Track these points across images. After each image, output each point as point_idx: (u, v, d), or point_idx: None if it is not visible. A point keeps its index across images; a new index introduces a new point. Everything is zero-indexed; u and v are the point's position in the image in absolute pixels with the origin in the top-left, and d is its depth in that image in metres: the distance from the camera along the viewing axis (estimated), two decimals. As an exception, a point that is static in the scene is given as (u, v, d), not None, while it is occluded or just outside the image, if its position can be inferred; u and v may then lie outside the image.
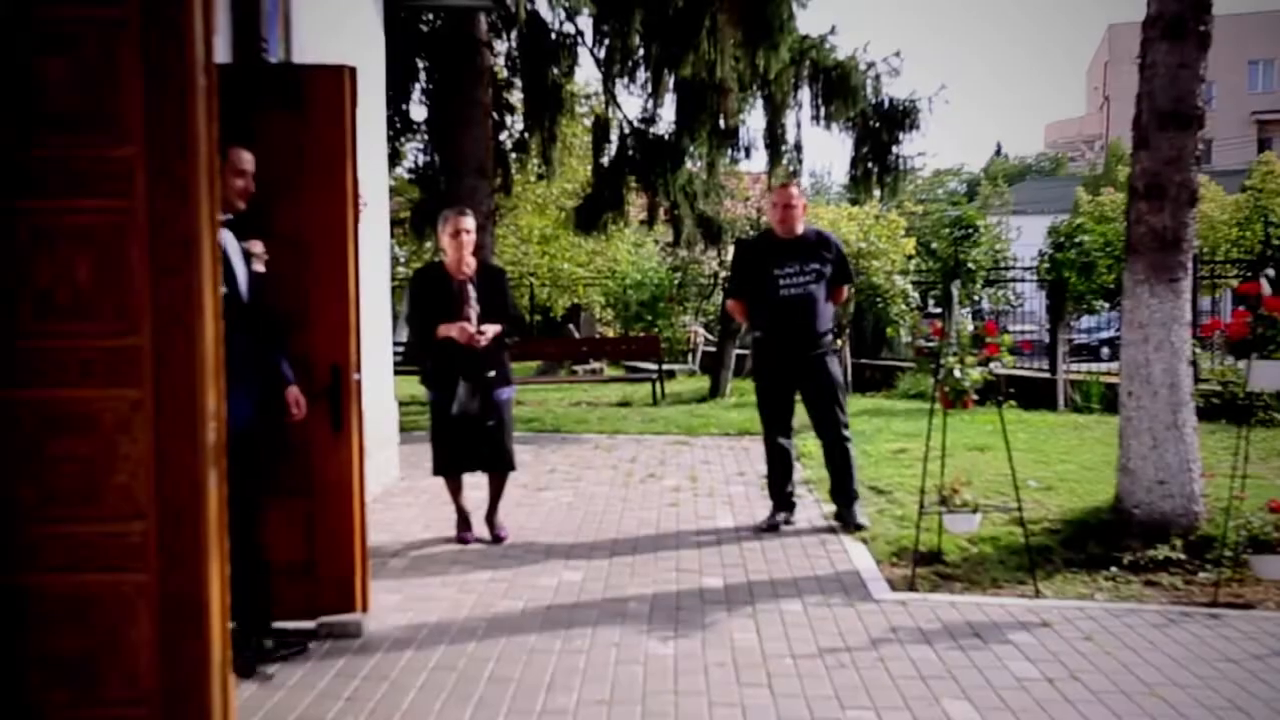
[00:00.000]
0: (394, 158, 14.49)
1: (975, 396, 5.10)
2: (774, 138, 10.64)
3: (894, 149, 10.56)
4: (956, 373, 5.01)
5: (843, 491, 6.17)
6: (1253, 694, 3.70)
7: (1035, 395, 11.78)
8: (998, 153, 67.52)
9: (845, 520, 6.11)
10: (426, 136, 14.10)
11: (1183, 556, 5.31)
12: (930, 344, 5.19)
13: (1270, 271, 5.14)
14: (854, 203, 16.09)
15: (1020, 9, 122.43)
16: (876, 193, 11.00)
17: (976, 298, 16.13)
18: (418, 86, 13.60)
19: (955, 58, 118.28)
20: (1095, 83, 54.16)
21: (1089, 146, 55.38)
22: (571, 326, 20.11)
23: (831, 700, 3.65)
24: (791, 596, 4.85)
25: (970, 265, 12.87)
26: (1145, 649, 4.17)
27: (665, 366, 14.19)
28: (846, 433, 6.19)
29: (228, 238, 3.88)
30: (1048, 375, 12.10)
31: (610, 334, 20.23)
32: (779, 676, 3.86)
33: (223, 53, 4.61)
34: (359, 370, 4.30)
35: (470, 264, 5.76)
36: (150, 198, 2.51)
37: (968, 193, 48.45)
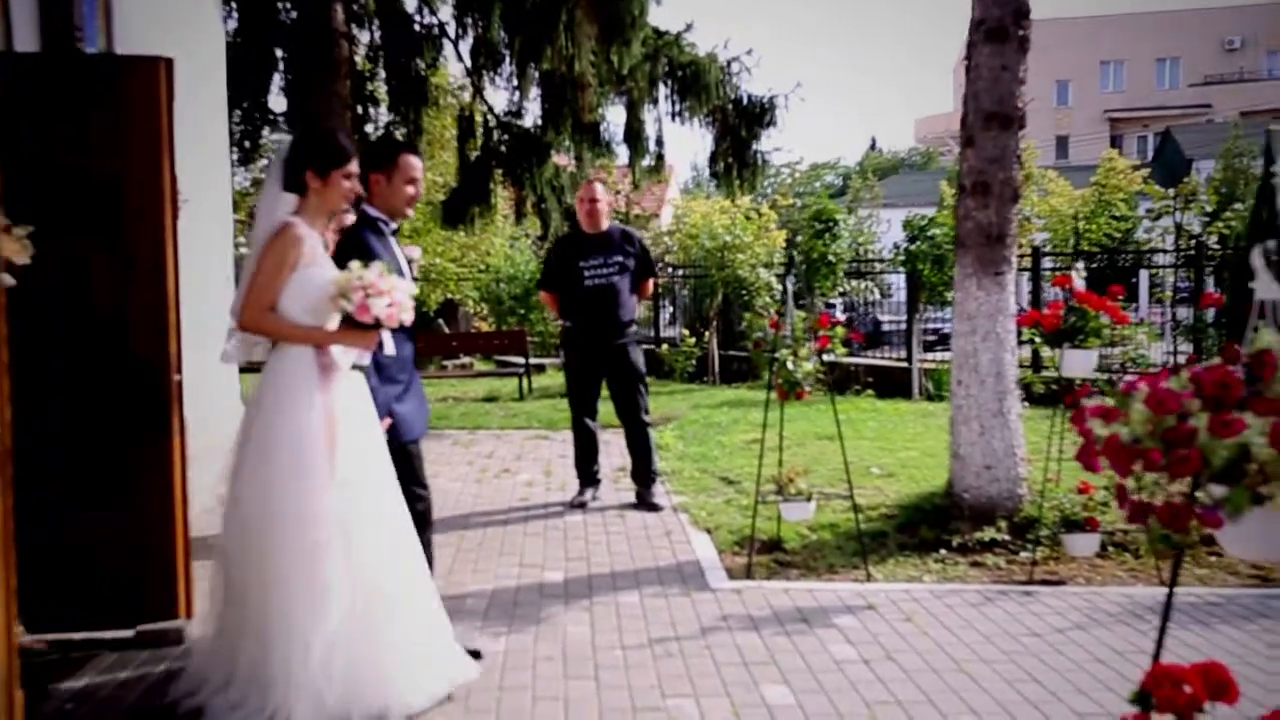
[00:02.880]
0: (254, 151, 14.10)
1: (808, 388, 5.25)
2: (631, 133, 10.72)
3: (753, 144, 10.74)
4: (789, 365, 5.15)
5: (643, 474, 6.59)
6: (1049, 665, 3.92)
7: (892, 384, 12.17)
8: (872, 147, 69.20)
9: (644, 500, 6.51)
10: (287, 129, 13.76)
11: (1007, 537, 5.57)
12: (766, 337, 5.31)
13: (1080, 265, 5.42)
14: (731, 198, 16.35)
15: (893, 4, 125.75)
16: (737, 187, 11.15)
17: (842, 290, 16.57)
18: (277, 78, 13.28)
19: (833, 53, 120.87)
20: (961, 80, 56.00)
21: (956, 141, 57.17)
22: (441, 321, 19.89)
23: (654, 690, 3.71)
24: (630, 588, 4.92)
25: (831, 258, 13.17)
26: (960, 627, 4.37)
27: (534, 360, 14.17)
28: (646, 418, 6.63)
29: (393, 245, 3.91)
30: (905, 365, 12.49)
31: (485, 329, 20.08)
32: (606, 668, 3.91)
33: (31, 41, 4.42)
34: (179, 371, 4.19)
35: None
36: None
37: (842, 187, 49.57)
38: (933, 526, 5.80)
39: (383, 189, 3.91)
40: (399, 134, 13.56)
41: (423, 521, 3.90)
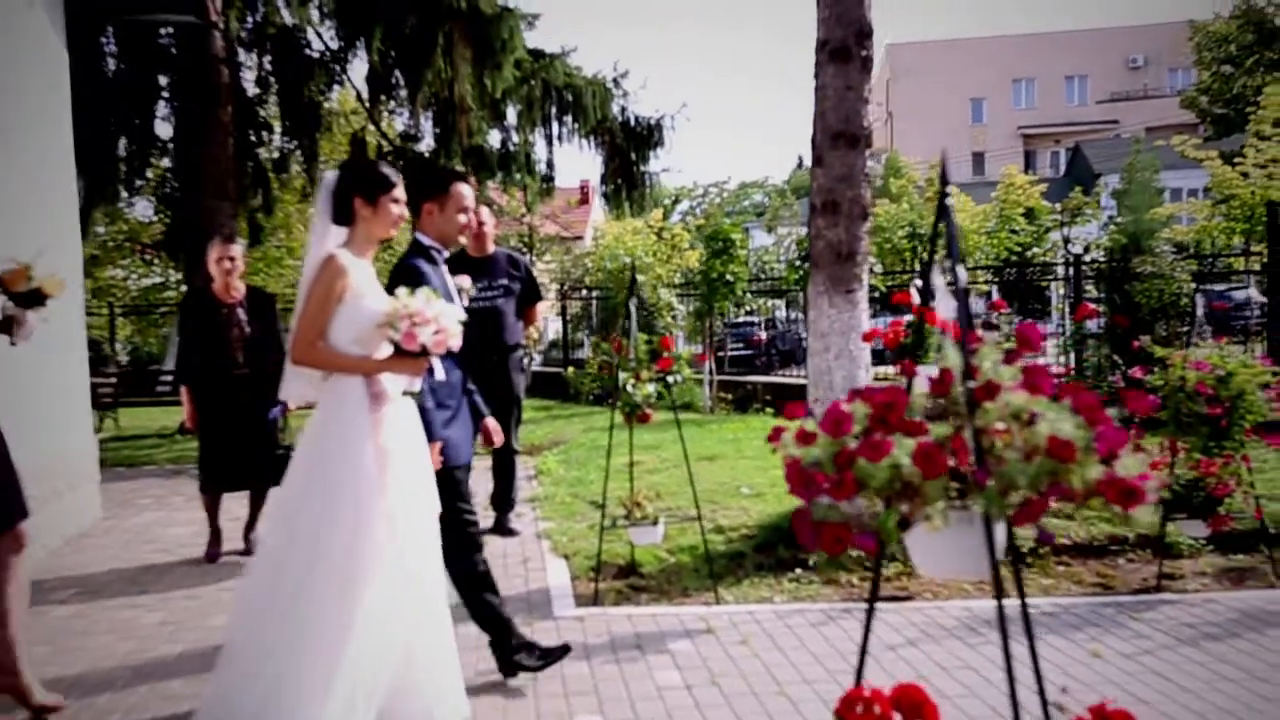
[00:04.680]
0: (137, 179, 13.80)
1: (650, 409, 5.21)
2: (515, 154, 10.70)
3: (640, 165, 10.77)
4: (629, 388, 5.10)
5: (503, 500, 6.64)
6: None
7: (792, 401, 12.21)
8: (799, 165, 69.87)
9: (501, 526, 6.56)
10: (174, 157, 13.51)
11: (863, 554, 5.56)
12: (609, 360, 5.26)
13: (919, 281, 5.46)
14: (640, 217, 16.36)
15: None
16: (627, 207, 11.17)
17: (749, 309, 16.65)
18: (162, 105, 13.05)
19: (761, 73, 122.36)
20: (879, 98, 56.92)
21: (876, 160, 58.06)
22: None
23: (464, 726, 3.62)
24: (469, 620, 4.80)
25: (729, 277, 13.20)
26: (793, 648, 4.33)
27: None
28: (516, 446, 6.65)
29: (444, 274, 3.90)
30: (804, 381, 12.54)
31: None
32: (420, 705, 3.80)
33: None
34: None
35: (239, 289, 6.09)
36: None
37: (768, 206, 49.98)
38: (790, 546, 5.78)
39: (436, 218, 3.94)
40: (293, 159, 13.44)
41: (474, 544, 4.03)
